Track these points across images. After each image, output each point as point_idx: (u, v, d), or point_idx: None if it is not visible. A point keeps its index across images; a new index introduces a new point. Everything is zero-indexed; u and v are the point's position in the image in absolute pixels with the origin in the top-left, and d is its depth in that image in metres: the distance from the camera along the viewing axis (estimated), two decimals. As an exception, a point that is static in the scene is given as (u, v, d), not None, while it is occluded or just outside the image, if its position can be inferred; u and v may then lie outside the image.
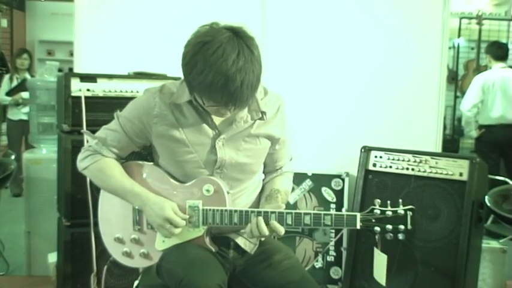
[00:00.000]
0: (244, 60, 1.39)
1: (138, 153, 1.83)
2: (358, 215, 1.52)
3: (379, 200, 1.53)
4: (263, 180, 1.79)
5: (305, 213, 1.53)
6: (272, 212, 1.54)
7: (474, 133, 4.55)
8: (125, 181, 1.63)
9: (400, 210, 1.51)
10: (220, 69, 1.37)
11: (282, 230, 1.53)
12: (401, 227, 1.50)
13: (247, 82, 1.40)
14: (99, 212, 1.75)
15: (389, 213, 1.51)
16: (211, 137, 1.60)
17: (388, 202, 1.53)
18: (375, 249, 1.70)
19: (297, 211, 1.54)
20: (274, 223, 1.52)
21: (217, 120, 1.60)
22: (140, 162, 1.72)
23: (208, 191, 1.59)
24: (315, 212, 1.54)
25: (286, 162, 1.80)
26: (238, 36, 1.42)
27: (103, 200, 1.74)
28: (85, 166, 1.67)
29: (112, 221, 1.71)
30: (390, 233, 1.51)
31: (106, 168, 1.65)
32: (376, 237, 1.54)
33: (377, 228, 1.51)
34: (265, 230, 1.51)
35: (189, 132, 1.59)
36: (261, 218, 1.52)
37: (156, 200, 1.59)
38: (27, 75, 5.31)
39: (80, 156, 1.70)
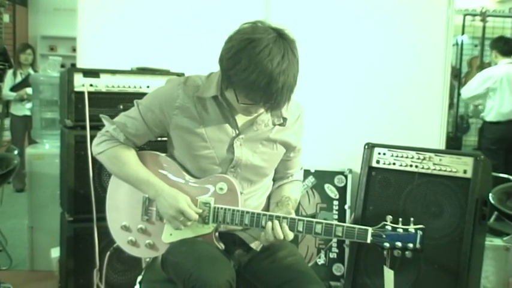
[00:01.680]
0: (288, 63, 1.39)
1: (140, 148, 1.82)
2: (370, 229, 1.52)
3: (390, 216, 1.53)
4: (272, 186, 1.79)
5: (317, 222, 1.53)
6: (284, 218, 1.53)
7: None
8: (140, 170, 1.63)
9: (411, 228, 1.51)
10: (265, 69, 1.37)
11: (291, 235, 1.53)
12: (410, 245, 1.50)
13: (288, 85, 1.40)
14: (108, 199, 1.75)
15: (400, 230, 1.51)
16: (231, 136, 1.60)
17: (400, 219, 1.53)
18: (385, 267, 1.70)
19: (309, 219, 1.53)
20: (286, 229, 1.52)
21: (239, 120, 1.60)
22: (155, 152, 1.71)
23: (221, 189, 1.59)
24: (327, 222, 1.53)
25: (297, 170, 1.81)
26: (283, 38, 1.42)
27: (113, 187, 1.74)
28: (101, 151, 1.67)
29: (120, 209, 1.71)
30: (399, 250, 1.51)
31: (122, 155, 1.65)
32: (385, 253, 1.54)
33: (386, 244, 1.51)
34: (281, 235, 1.51)
35: (209, 128, 1.59)
36: (277, 222, 1.52)
37: (171, 191, 1.59)
38: (31, 71, 5.31)
39: (95, 141, 1.69)
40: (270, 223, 1.53)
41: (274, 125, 1.63)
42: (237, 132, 1.61)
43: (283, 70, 1.38)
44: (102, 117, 1.71)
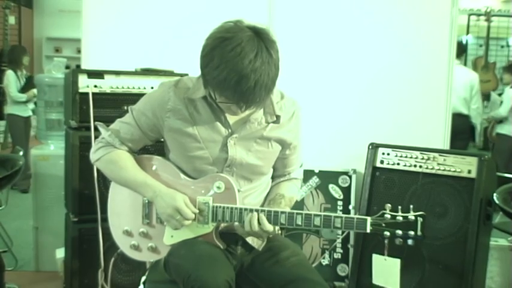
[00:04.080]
0: (261, 62, 1.39)
1: (145, 150, 1.84)
2: (369, 219, 1.51)
3: (389, 205, 1.53)
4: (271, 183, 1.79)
5: (315, 215, 1.53)
6: (282, 212, 1.54)
7: None
8: (137, 173, 1.64)
9: (411, 215, 1.50)
10: (235, 66, 1.37)
11: (270, 228, 1.53)
12: (411, 232, 1.49)
13: (261, 83, 1.40)
14: (109, 205, 1.76)
15: (400, 218, 1.50)
16: (224, 135, 1.61)
17: (399, 207, 1.52)
18: (374, 255, 1.69)
19: (307, 212, 1.54)
20: (264, 222, 1.52)
21: (231, 119, 1.60)
22: (151, 156, 1.72)
23: (219, 187, 1.60)
24: (325, 214, 1.53)
25: (296, 168, 1.80)
26: (259, 37, 1.42)
27: (113, 193, 1.75)
28: (97, 158, 1.68)
29: (121, 214, 1.72)
30: (400, 238, 1.51)
31: (118, 160, 1.66)
32: (385, 241, 1.53)
33: (386, 233, 1.50)
34: (256, 226, 1.51)
35: (202, 128, 1.60)
36: (254, 215, 1.52)
37: (168, 191, 1.60)
38: (25, 72, 5.44)
39: (92, 148, 1.71)
40: (248, 216, 1.53)
41: (267, 123, 1.63)
42: (230, 131, 1.61)
43: (256, 68, 1.37)
44: (98, 125, 1.73)
